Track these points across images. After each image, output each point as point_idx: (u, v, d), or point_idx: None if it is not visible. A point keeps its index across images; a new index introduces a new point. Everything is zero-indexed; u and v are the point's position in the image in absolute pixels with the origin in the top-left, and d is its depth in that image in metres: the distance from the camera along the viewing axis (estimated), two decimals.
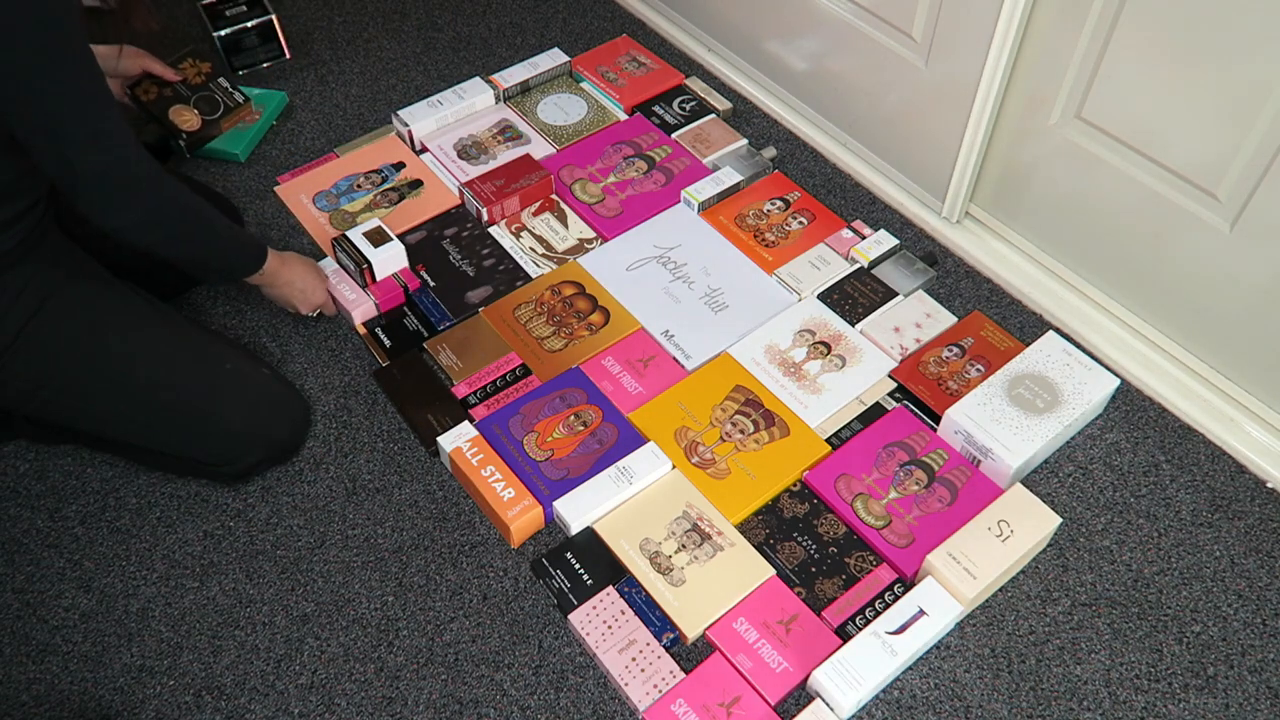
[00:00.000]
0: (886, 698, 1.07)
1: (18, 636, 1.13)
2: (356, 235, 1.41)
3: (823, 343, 1.35)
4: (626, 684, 1.06)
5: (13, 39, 0.91)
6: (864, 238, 1.47)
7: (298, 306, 1.34)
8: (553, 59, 1.74)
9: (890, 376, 1.32)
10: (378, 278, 1.41)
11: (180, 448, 1.19)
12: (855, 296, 1.40)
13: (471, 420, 1.27)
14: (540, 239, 1.49)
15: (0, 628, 1.13)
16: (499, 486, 1.19)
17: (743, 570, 1.14)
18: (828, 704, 1.03)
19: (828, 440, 1.26)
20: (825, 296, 1.40)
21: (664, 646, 1.09)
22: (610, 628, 1.10)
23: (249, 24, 1.74)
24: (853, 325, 1.37)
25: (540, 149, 1.62)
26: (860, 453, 1.23)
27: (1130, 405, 1.31)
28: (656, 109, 1.68)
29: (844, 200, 1.57)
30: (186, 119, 1.56)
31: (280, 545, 1.20)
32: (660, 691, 1.05)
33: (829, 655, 1.06)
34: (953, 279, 1.46)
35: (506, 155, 1.60)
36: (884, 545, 1.15)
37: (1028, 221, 1.44)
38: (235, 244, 1.21)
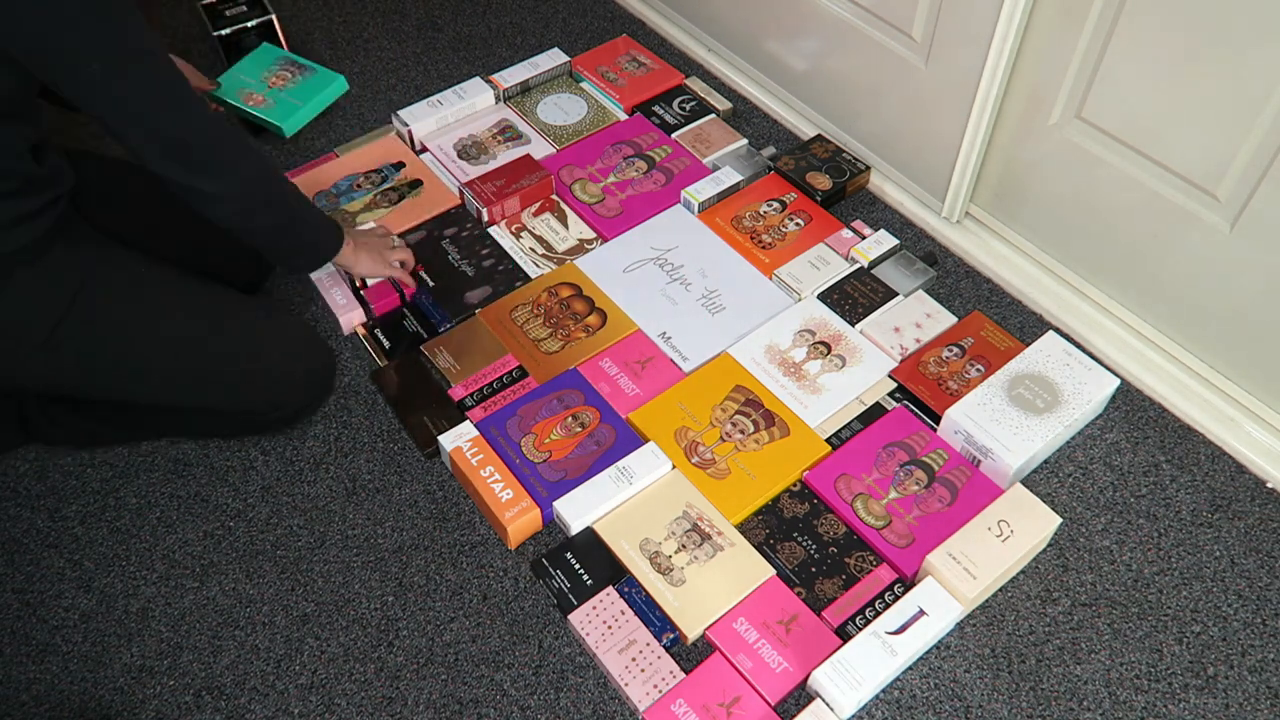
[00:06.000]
0: (886, 698, 1.07)
1: (18, 636, 1.13)
2: None
3: (823, 343, 1.35)
4: (626, 684, 1.06)
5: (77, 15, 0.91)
6: (864, 238, 1.47)
7: (374, 275, 1.36)
8: (553, 59, 1.74)
9: (890, 376, 1.32)
10: (369, 281, 1.41)
11: (233, 401, 1.21)
12: (855, 296, 1.40)
13: (472, 423, 1.27)
14: (540, 239, 1.49)
15: (0, 628, 1.13)
16: (497, 487, 1.19)
17: (743, 570, 1.14)
18: (828, 704, 1.03)
19: (828, 440, 1.26)
20: (825, 296, 1.40)
21: (664, 646, 1.09)
22: (610, 628, 1.10)
23: (249, 24, 1.74)
24: (853, 325, 1.37)
25: (540, 149, 1.62)
26: (860, 453, 1.23)
27: (1130, 405, 1.31)
28: (656, 109, 1.68)
29: (844, 200, 1.57)
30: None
31: (280, 545, 1.20)
32: (660, 691, 1.05)
33: (829, 655, 1.06)
34: (953, 279, 1.46)
35: (506, 155, 1.60)
36: (884, 545, 1.15)
37: (1028, 221, 1.44)
38: (318, 224, 1.24)
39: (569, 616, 1.11)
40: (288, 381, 1.23)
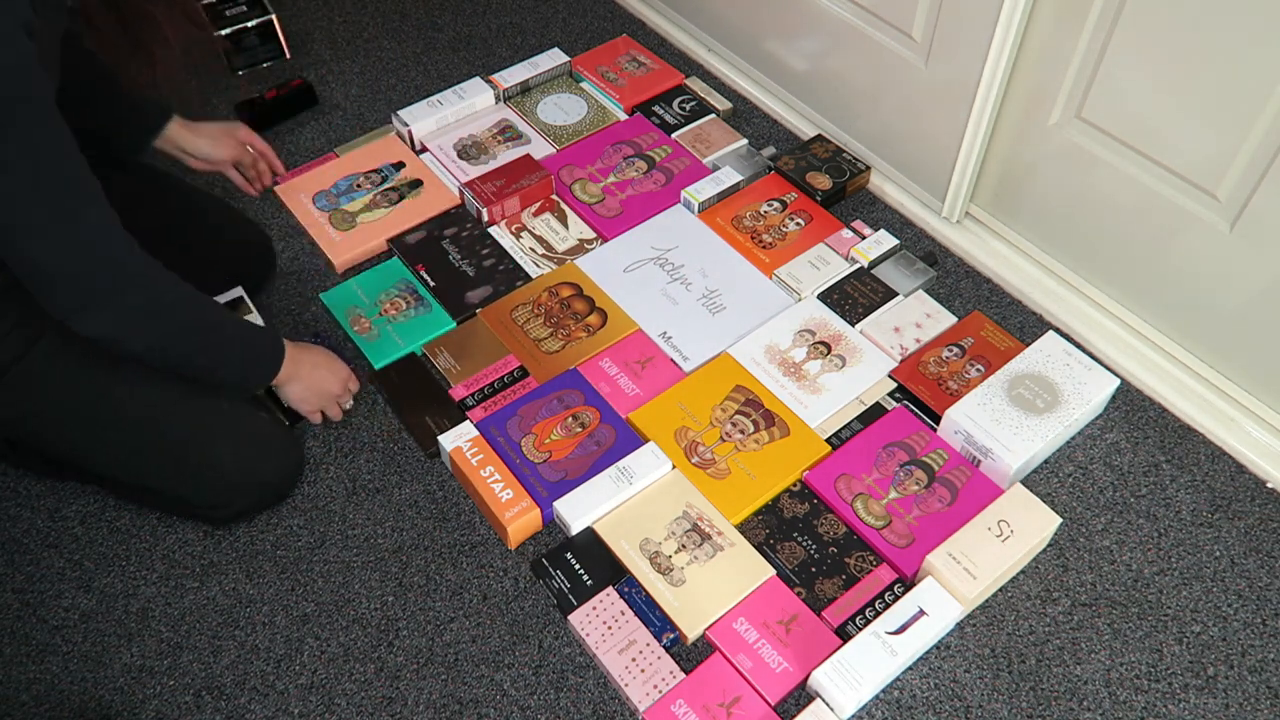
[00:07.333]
0: (886, 698, 1.07)
1: (18, 636, 1.13)
2: None
3: (823, 343, 1.35)
4: (626, 684, 1.06)
5: None
6: (864, 238, 1.47)
7: (299, 408, 1.24)
8: (553, 59, 1.74)
9: (890, 376, 1.32)
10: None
11: (169, 486, 1.16)
12: (855, 296, 1.40)
13: (472, 423, 1.27)
14: (540, 239, 1.49)
15: (0, 628, 1.13)
16: (498, 487, 1.19)
17: (743, 570, 1.14)
18: (828, 704, 1.03)
19: (828, 440, 1.26)
20: (825, 296, 1.40)
21: (664, 647, 1.09)
22: (610, 628, 1.10)
23: (249, 24, 1.74)
24: (853, 325, 1.37)
25: (540, 149, 1.62)
26: (860, 453, 1.23)
27: (1130, 405, 1.31)
28: (656, 109, 1.68)
29: (844, 200, 1.57)
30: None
31: (280, 545, 1.20)
32: (660, 692, 1.05)
33: (829, 655, 1.06)
34: (953, 279, 1.46)
35: (506, 155, 1.60)
36: (884, 545, 1.15)
37: (1028, 221, 1.44)
38: (246, 352, 1.14)
39: (569, 617, 1.11)
40: (234, 484, 1.16)
